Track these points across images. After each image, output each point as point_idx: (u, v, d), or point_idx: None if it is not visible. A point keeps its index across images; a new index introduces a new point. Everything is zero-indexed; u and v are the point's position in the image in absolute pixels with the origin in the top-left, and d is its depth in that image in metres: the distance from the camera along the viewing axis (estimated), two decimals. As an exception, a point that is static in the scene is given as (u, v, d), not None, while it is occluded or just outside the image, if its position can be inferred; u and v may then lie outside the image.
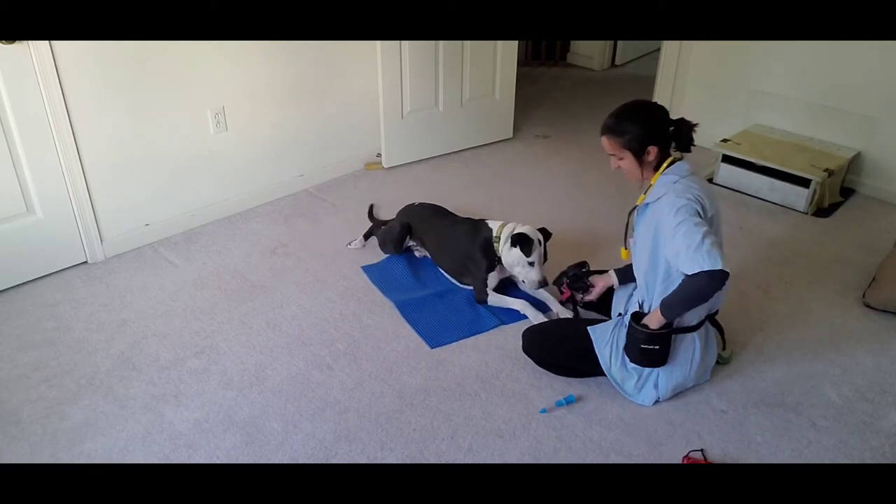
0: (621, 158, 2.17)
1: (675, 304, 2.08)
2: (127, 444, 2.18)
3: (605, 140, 2.18)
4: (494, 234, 2.76)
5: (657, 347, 2.14)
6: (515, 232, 2.69)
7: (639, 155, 2.13)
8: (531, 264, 2.68)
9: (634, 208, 2.26)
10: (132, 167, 3.08)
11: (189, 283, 2.96)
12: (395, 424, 2.25)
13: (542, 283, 2.69)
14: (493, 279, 2.81)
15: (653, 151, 2.12)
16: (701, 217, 2.03)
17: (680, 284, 2.05)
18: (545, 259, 2.74)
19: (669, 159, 2.15)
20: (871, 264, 3.06)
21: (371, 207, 3.47)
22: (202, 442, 2.19)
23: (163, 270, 3.05)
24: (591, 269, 2.62)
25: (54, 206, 2.90)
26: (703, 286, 1.98)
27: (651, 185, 2.15)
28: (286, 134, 3.58)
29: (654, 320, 2.13)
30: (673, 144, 2.15)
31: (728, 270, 1.94)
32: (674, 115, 2.16)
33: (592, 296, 2.56)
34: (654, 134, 2.12)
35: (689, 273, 1.97)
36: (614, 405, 2.31)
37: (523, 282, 2.76)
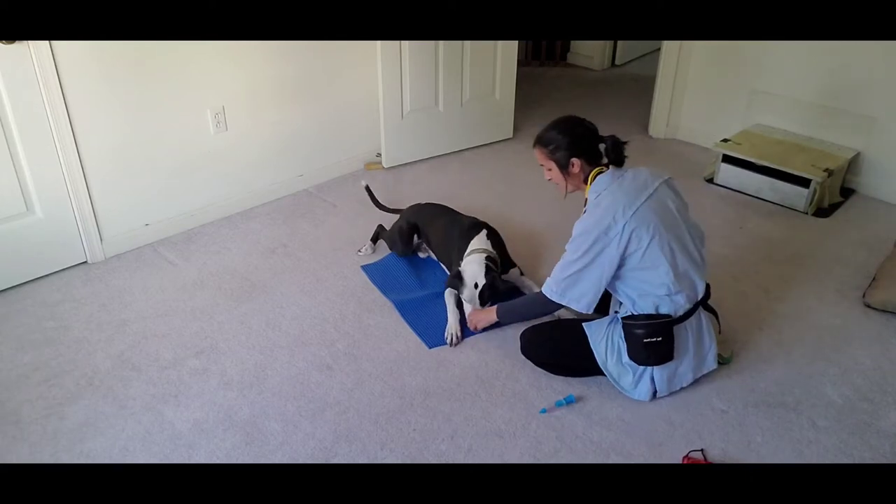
0: (549, 169, 2.32)
1: (511, 312, 2.50)
2: (127, 445, 2.18)
3: (535, 151, 2.34)
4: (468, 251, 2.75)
5: (660, 339, 2.18)
6: (463, 264, 2.67)
7: (563, 167, 2.27)
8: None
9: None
10: (132, 167, 3.08)
11: (189, 283, 2.96)
12: (395, 424, 2.25)
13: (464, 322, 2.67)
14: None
15: (577, 164, 2.24)
16: (597, 242, 2.12)
17: (524, 301, 2.50)
18: (502, 271, 2.72)
19: (595, 171, 2.25)
20: (871, 264, 3.06)
21: (371, 195, 3.41)
22: (202, 442, 2.19)
23: (163, 270, 3.05)
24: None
25: (54, 206, 2.90)
26: (538, 308, 2.40)
27: (586, 198, 2.29)
28: (286, 134, 3.58)
29: (484, 319, 2.54)
30: (605, 160, 2.27)
31: (562, 304, 2.24)
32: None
33: None
34: (579, 147, 2.24)
35: (542, 291, 2.27)
36: (614, 405, 2.31)
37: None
